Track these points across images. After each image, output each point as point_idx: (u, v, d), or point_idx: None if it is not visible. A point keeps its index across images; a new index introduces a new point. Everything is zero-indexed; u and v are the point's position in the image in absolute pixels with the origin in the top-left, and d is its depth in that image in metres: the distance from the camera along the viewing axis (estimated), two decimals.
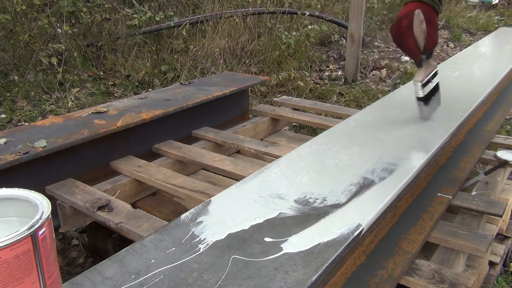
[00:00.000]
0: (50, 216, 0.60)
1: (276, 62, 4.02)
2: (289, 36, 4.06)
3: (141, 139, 1.81)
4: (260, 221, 0.91)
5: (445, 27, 5.96)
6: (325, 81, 3.93)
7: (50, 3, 3.65)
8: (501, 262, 1.51)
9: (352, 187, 1.05)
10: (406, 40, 1.34)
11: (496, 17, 7.13)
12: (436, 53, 4.83)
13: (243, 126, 2.13)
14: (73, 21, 3.70)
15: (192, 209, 0.95)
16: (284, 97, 2.60)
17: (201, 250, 0.81)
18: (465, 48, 3.42)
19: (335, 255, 0.80)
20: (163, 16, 3.87)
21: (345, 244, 0.83)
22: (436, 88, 1.49)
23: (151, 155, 1.80)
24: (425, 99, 1.46)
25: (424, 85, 1.43)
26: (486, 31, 6.09)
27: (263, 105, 2.45)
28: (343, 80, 3.92)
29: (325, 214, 0.93)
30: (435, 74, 1.46)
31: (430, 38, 1.34)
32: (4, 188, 0.65)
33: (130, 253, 0.81)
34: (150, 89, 3.44)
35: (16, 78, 3.34)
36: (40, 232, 0.57)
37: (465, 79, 2.00)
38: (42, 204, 0.61)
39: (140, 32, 3.85)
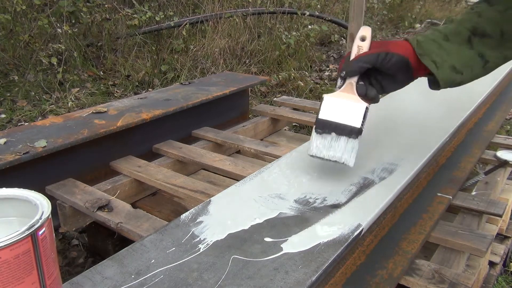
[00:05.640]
0: (50, 216, 0.60)
1: (276, 62, 4.02)
2: (289, 36, 4.07)
3: (141, 139, 1.81)
4: (260, 221, 0.91)
5: None
6: (325, 81, 3.93)
7: (50, 3, 3.65)
8: (501, 262, 1.51)
9: (352, 187, 1.05)
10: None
11: None
12: None
13: (243, 126, 2.13)
14: (73, 21, 3.70)
15: (192, 209, 0.95)
16: (284, 97, 2.60)
17: (201, 250, 0.81)
18: None
19: (335, 255, 0.80)
20: (163, 16, 3.87)
21: (345, 244, 0.83)
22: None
23: (151, 155, 1.80)
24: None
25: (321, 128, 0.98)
26: None
27: (263, 105, 2.45)
28: None
29: (325, 214, 0.93)
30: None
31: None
32: (4, 188, 0.65)
33: (130, 253, 0.81)
34: (150, 89, 3.44)
35: (16, 78, 3.34)
36: (40, 232, 0.57)
37: None
38: (42, 204, 0.61)
39: (140, 32, 3.85)
